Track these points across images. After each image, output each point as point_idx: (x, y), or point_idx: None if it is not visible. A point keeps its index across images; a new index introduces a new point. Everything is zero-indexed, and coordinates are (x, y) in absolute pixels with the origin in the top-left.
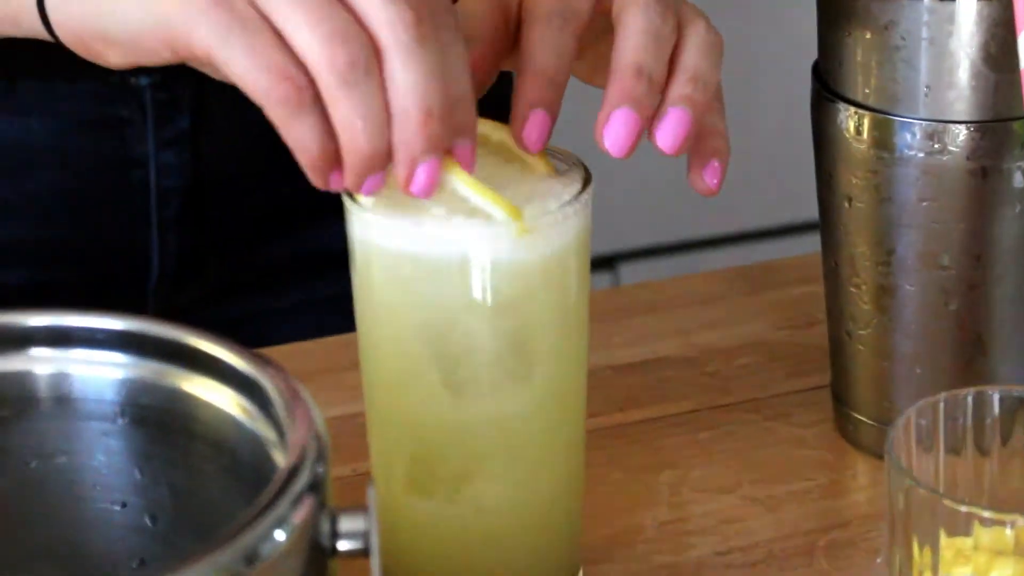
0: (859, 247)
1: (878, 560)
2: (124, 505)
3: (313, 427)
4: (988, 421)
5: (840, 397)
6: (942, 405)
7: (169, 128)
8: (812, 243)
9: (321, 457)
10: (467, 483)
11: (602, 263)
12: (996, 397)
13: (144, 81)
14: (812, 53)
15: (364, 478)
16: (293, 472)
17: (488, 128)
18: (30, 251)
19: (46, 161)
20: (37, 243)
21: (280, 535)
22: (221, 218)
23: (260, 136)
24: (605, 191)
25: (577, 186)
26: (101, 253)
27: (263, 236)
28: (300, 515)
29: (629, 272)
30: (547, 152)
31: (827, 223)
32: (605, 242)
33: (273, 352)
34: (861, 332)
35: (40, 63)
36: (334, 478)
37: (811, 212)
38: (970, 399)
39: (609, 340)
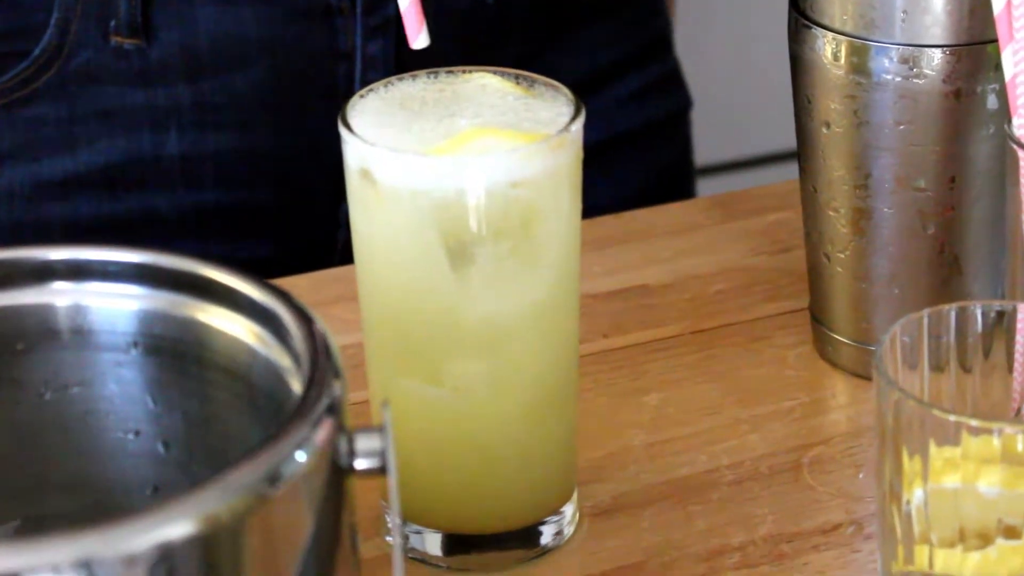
0: (837, 171)
1: (860, 475)
2: (137, 433)
3: (329, 352)
4: (970, 336)
5: (819, 319)
6: (926, 321)
7: (376, 15)
8: (783, 171)
9: (338, 380)
10: (449, 364)
11: None
12: (979, 312)
13: None
14: None
15: (360, 407)
16: (312, 395)
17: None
18: (222, 167)
19: (256, 55)
20: (235, 156)
21: (301, 456)
22: None
23: (461, 21)
24: None
25: (570, 110)
26: (298, 165)
27: None
28: (320, 436)
29: None
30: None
31: (805, 148)
32: None
33: None
34: (839, 255)
35: None
36: None
37: (785, 142)
38: (953, 315)
39: (589, 269)
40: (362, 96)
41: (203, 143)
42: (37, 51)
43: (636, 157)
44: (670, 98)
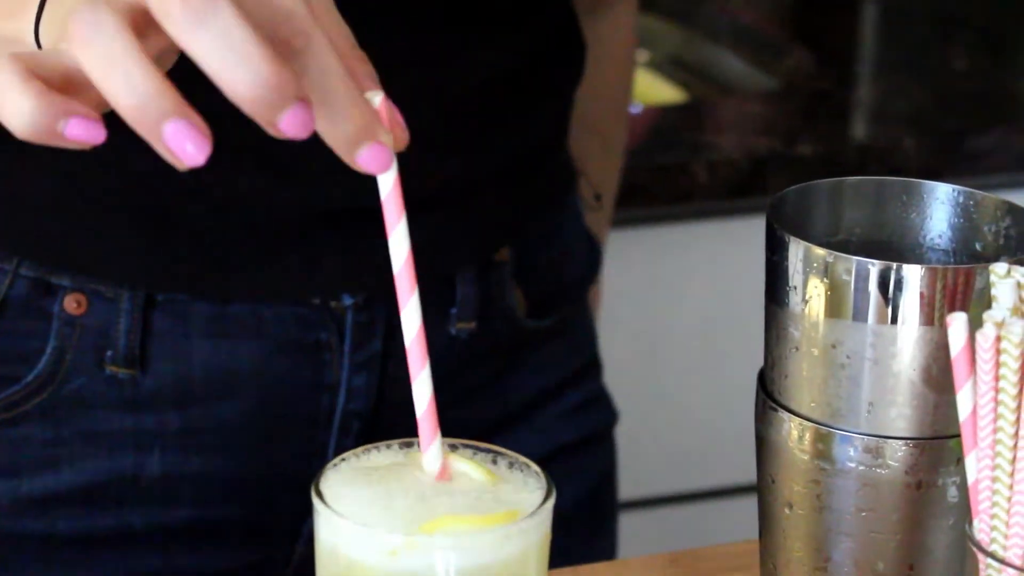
0: (797, 552)
1: None
2: None
3: None
4: None
5: None
6: None
7: (362, 352)
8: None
9: None
10: None
11: None
12: None
13: (348, 301)
14: (754, 349)
15: None
16: None
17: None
18: (199, 487)
19: (245, 386)
20: (208, 479)
21: None
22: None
23: (442, 355)
24: None
25: (541, 492)
26: (268, 489)
27: None
28: None
29: None
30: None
31: (767, 526)
32: None
33: None
34: None
35: (251, 285)
36: None
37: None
38: None
39: None
40: (335, 465)
41: (184, 465)
42: (30, 377)
43: (572, 466)
44: (602, 412)
